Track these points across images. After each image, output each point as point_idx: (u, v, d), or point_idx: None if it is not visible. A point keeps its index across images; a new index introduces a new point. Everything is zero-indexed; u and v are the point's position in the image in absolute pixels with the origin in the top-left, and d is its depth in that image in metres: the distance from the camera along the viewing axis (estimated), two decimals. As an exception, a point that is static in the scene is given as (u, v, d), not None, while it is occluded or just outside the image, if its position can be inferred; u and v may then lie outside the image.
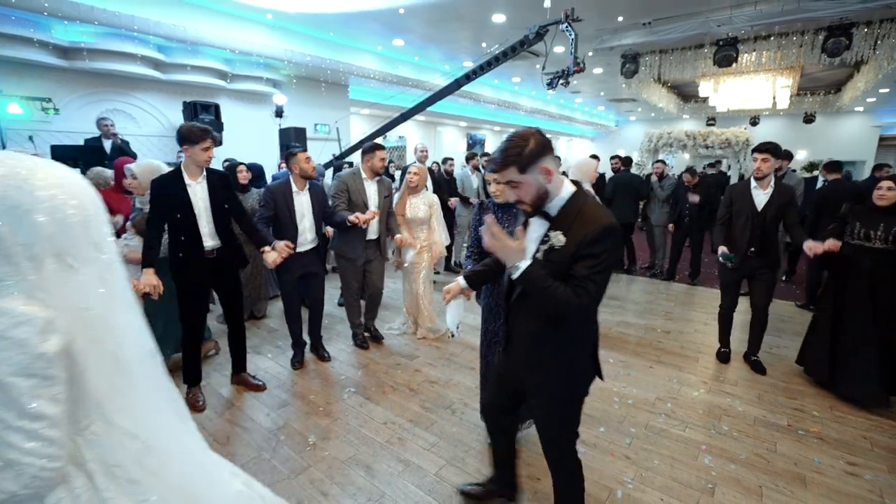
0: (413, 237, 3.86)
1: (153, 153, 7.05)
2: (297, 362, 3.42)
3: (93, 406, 0.89)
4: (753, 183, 3.32)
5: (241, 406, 2.89)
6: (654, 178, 6.28)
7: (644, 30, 7.01)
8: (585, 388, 1.66)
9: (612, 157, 6.75)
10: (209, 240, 2.69)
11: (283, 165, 5.60)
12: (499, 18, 6.80)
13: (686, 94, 12.39)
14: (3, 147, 5.36)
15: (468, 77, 5.13)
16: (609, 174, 6.91)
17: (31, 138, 5.33)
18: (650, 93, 10.44)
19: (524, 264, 1.42)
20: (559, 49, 7.31)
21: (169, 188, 2.57)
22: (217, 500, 1.11)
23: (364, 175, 3.52)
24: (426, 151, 5.86)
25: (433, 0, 6.10)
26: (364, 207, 3.45)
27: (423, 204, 3.85)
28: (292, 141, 7.16)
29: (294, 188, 3.18)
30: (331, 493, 2.14)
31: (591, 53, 8.51)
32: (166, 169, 2.81)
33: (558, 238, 1.46)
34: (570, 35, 4.35)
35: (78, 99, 6.44)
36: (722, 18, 6.42)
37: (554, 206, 1.50)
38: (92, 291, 0.91)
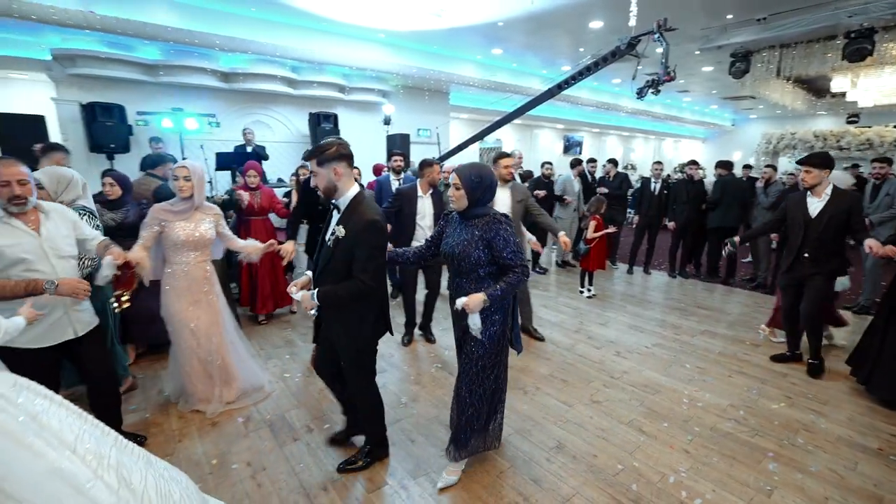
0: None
1: (284, 156, 8.32)
2: (407, 340, 4.00)
3: None
4: (808, 192, 3.39)
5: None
6: (759, 184, 5.93)
7: (758, 26, 6.59)
8: (374, 338, 2.25)
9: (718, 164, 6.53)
10: None
11: (385, 170, 6.33)
12: (596, 24, 6.89)
13: (818, 88, 11.05)
14: (182, 153, 6.82)
15: (560, 87, 5.36)
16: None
17: (202, 146, 6.72)
18: (771, 90, 9.58)
19: (316, 298, 2.02)
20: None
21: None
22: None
23: (420, 191, 3.78)
24: (520, 158, 6.16)
25: (531, 11, 6.41)
26: (413, 218, 3.74)
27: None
28: (398, 146, 7.95)
29: (420, 192, 3.71)
30: (417, 440, 2.66)
31: (697, 52, 8.14)
32: (73, 176, 2.60)
33: (340, 230, 2.01)
34: (662, 45, 4.38)
35: (232, 113, 7.89)
36: (855, 7, 5.83)
37: (342, 202, 2.07)
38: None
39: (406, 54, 8.28)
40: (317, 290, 2.03)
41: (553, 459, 2.50)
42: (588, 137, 17.11)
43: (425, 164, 3.75)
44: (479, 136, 7.75)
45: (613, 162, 6.79)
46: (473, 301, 1.99)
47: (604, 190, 6.45)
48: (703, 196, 6.09)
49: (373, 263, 2.00)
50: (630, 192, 7.08)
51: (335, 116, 8.23)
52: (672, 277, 6.45)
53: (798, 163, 3.37)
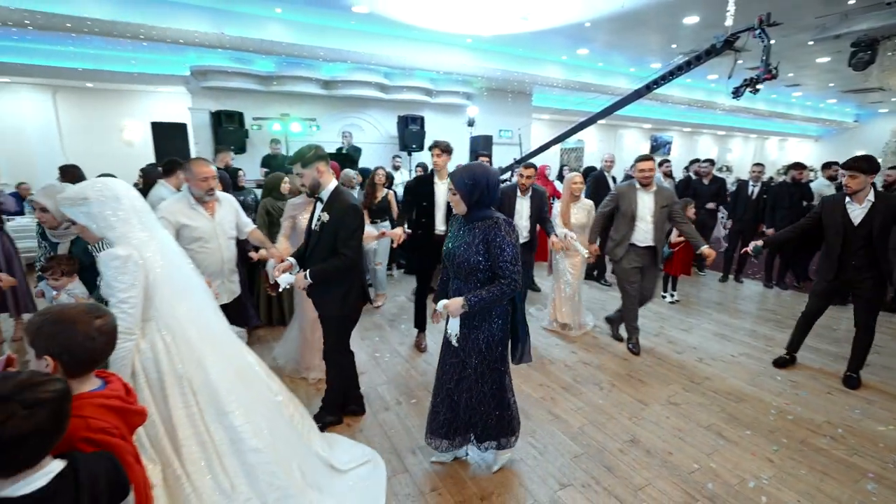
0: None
1: (374, 156, 8.95)
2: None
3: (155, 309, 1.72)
4: (848, 198, 3.20)
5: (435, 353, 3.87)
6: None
7: (888, 11, 5.90)
8: (356, 308, 2.60)
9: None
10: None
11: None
12: (691, 20, 6.60)
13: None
14: (287, 153, 7.65)
15: (649, 87, 5.24)
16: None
17: (345, 138, 7.50)
18: (903, 82, 8.44)
19: (309, 276, 2.36)
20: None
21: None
22: (237, 356, 1.96)
23: (518, 191, 3.91)
24: (613, 161, 6.03)
25: (621, 10, 6.32)
26: (511, 217, 3.80)
27: (583, 211, 4.15)
28: (481, 147, 8.21)
29: (518, 192, 3.91)
30: (496, 420, 2.88)
31: (811, 43, 7.46)
32: (63, 187, 2.53)
33: (325, 216, 2.39)
34: (763, 42, 4.12)
35: (330, 117, 8.66)
36: None
37: (324, 194, 2.43)
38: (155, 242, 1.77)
39: (491, 57, 8.51)
40: (308, 269, 2.37)
41: (626, 451, 2.59)
42: (678, 137, 16.15)
43: (524, 166, 3.90)
44: (561, 138, 7.74)
45: (710, 162, 6.40)
46: (452, 305, 2.00)
47: (711, 205, 6.11)
48: (809, 201, 5.61)
49: (354, 240, 2.43)
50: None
51: (422, 119, 8.69)
52: (768, 287, 6.01)
53: (842, 167, 3.11)
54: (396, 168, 7.36)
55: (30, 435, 0.89)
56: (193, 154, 7.26)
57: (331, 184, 2.47)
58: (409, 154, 8.96)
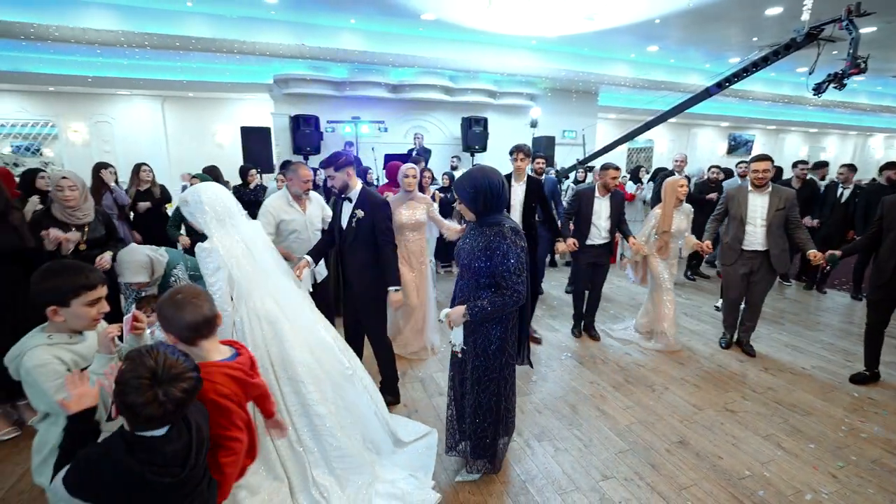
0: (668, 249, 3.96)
1: (438, 157, 9.24)
2: (577, 333, 4.25)
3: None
4: None
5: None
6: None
7: None
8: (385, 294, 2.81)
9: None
10: None
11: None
12: (774, 11, 6.20)
13: None
14: (357, 153, 8.16)
15: (719, 86, 5.01)
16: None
17: (372, 149, 7.96)
18: None
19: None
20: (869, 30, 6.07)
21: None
22: (313, 333, 2.21)
23: (597, 192, 3.93)
24: (685, 161, 5.81)
25: (695, 5, 6.08)
26: (589, 219, 3.91)
27: (684, 216, 3.95)
28: (543, 148, 8.22)
29: (597, 194, 3.91)
30: (543, 412, 3.00)
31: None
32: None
33: (360, 213, 2.69)
34: (851, 33, 3.80)
35: (397, 120, 9.08)
36: None
37: (353, 195, 2.72)
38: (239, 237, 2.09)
39: (556, 58, 8.48)
40: (390, 284, 2.76)
41: (674, 452, 2.60)
42: (760, 136, 14.95)
43: (604, 168, 3.92)
44: (628, 137, 7.56)
45: (822, 166, 5.95)
46: (454, 314, 2.00)
47: (807, 220, 5.69)
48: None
49: (390, 230, 2.79)
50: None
51: (485, 120, 8.86)
52: (856, 300, 5.52)
53: None
54: (454, 168, 7.59)
55: (161, 416, 1.06)
56: (275, 155, 7.98)
57: (357, 185, 2.78)
58: (472, 155, 9.16)
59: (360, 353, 2.93)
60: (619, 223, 3.97)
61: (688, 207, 3.99)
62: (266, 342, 2.03)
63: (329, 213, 3.31)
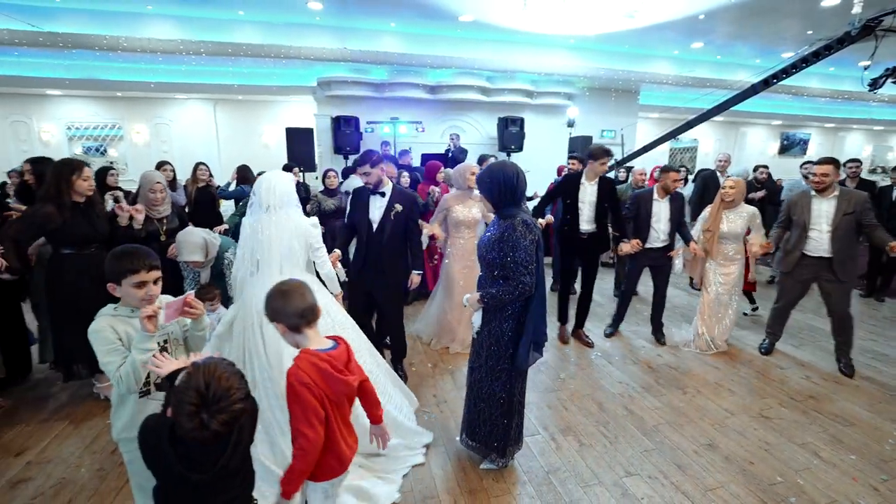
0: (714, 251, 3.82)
1: (474, 157, 9.32)
2: (610, 333, 4.23)
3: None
4: None
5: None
6: None
7: None
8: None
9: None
10: None
11: (565, 171, 6.60)
12: (830, 2, 5.88)
13: None
14: (394, 153, 8.36)
15: (766, 83, 4.82)
16: None
17: (409, 149, 8.13)
18: None
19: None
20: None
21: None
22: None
23: (656, 195, 3.88)
24: (728, 161, 5.62)
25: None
26: (648, 221, 3.87)
27: (741, 218, 3.72)
28: (580, 148, 8.14)
29: (656, 196, 3.86)
30: (570, 409, 3.03)
31: None
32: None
33: (398, 206, 2.97)
34: None
35: (434, 120, 9.22)
36: None
37: (386, 190, 2.99)
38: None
39: (594, 56, 8.37)
40: (417, 268, 3.17)
41: (701, 454, 2.58)
42: (817, 135, 14.08)
43: (664, 170, 3.89)
44: (668, 136, 7.39)
45: (857, 162, 5.57)
46: (471, 299, 2.16)
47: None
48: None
49: (417, 222, 3.14)
50: None
51: (521, 120, 8.86)
52: (917, 310, 5.17)
53: None
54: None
55: (202, 440, 1.08)
56: (317, 155, 8.32)
57: (388, 182, 3.03)
58: (508, 155, 9.18)
59: (371, 334, 3.16)
60: (678, 226, 3.89)
61: (748, 209, 3.76)
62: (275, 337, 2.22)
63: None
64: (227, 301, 2.93)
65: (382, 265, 3.05)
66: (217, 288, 2.96)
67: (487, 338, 2.20)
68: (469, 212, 3.76)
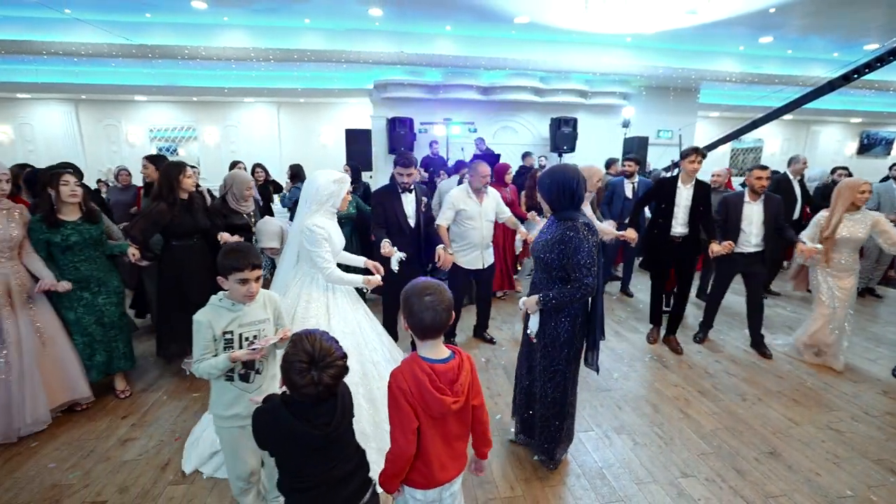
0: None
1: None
2: (701, 338, 4.10)
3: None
4: None
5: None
6: None
7: None
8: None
9: None
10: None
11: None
12: (924, -9, 5.43)
13: None
14: (447, 153, 8.54)
15: (846, 78, 4.54)
16: None
17: (462, 149, 8.29)
18: None
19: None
20: None
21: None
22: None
23: (747, 197, 3.73)
24: (805, 163, 5.28)
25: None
26: (738, 224, 3.73)
27: (861, 224, 3.43)
28: (635, 149, 7.97)
29: (747, 199, 3.74)
30: (624, 409, 3.05)
31: None
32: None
33: (424, 199, 3.37)
34: None
35: (486, 121, 9.33)
36: None
37: (413, 188, 3.40)
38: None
39: (652, 55, 8.16)
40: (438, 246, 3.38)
41: (763, 461, 2.53)
42: (905, 133, 12.89)
43: (749, 169, 3.75)
44: (731, 137, 7.09)
45: None
46: (529, 302, 2.16)
47: None
48: None
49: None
50: None
51: (574, 120, 8.78)
52: None
53: None
54: (542, 167, 7.65)
55: (315, 395, 1.23)
56: (374, 155, 8.65)
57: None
58: (560, 156, 9.13)
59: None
60: (779, 229, 3.68)
61: (873, 216, 3.43)
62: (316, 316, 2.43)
63: (504, 208, 3.76)
64: None
65: (420, 252, 3.40)
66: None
67: (543, 339, 2.22)
68: (589, 214, 3.93)
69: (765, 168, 3.69)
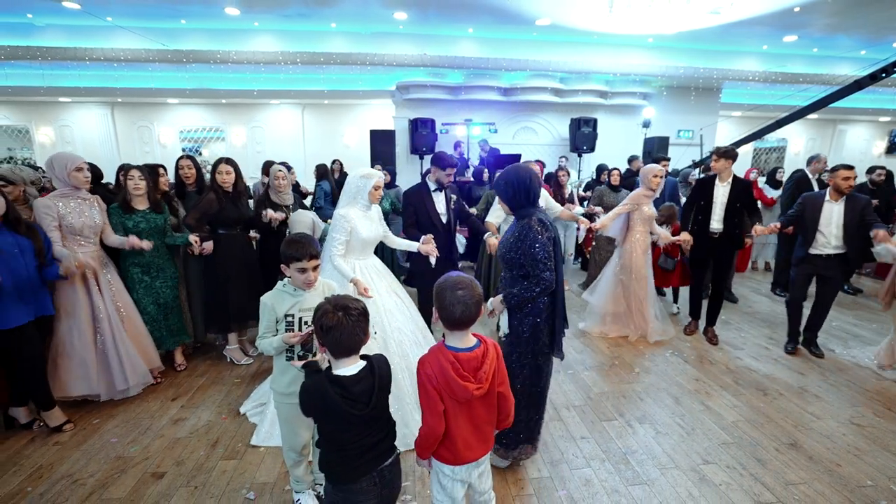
0: None
1: (545, 158, 9.41)
2: (791, 349, 3.90)
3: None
4: None
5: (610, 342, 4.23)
6: None
7: None
8: None
9: None
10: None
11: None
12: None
13: None
14: (467, 153, 8.67)
15: (873, 77, 4.53)
16: None
17: (482, 147, 8.42)
18: None
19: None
20: None
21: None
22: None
23: (828, 196, 3.64)
24: (824, 163, 5.27)
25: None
26: (815, 224, 3.63)
27: None
28: (656, 149, 7.98)
29: (828, 198, 3.62)
30: (646, 400, 3.15)
31: None
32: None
33: (453, 196, 3.60)
34: None
35: (507, 121, 9.44)
36: None
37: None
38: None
39: (674, 55, 8.17)
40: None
41: (783, 451, 2.61)
42: (937, 132, 12.54)
43: (833, 169, 3.68)
44: (752, 137, 7.06)
45: None
46: (495, 301, 2.21)
47: None
48: None
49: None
50: None
51: (594, 121, 8.83)
52: None
53: None
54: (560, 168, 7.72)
55: (346, 334, 1.38)
56: (397, 155, 8.83)
57: None
58: (580, 156, 9.18)
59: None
60: (864, 227, 3.45)
61: None
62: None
63: (553, 204, 3.90)
64: None
65: (452, 251, 3.56)
66: None
67: (510, 336, 2.24)
68: (651, 210, 4.10)
69: (851, 168, 3.54)
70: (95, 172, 3.66)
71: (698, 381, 3.43)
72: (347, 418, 1.37)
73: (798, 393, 3.28)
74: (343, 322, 1.37)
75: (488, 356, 1.51)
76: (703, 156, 8.08)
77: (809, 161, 5.29)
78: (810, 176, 5.23)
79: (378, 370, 1.45)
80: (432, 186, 3.56)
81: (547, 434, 2.74)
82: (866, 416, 2.99)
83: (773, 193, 6.14)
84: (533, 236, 2.06)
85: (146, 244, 3.02)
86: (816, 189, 5.13)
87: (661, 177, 3.99)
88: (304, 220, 3.58)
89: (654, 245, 4.34)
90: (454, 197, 3.65)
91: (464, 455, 1.53)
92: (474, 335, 1.55)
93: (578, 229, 5.30)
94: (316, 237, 3.40)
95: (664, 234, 4.16)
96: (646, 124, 8.68)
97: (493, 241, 3.28)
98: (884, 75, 4.44)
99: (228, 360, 3.69)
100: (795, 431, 2.81)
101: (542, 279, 2.06)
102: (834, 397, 3.22)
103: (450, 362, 1.44)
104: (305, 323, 1.85)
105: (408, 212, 3.55)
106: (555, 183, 5.58)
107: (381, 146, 8.09)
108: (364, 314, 1.44)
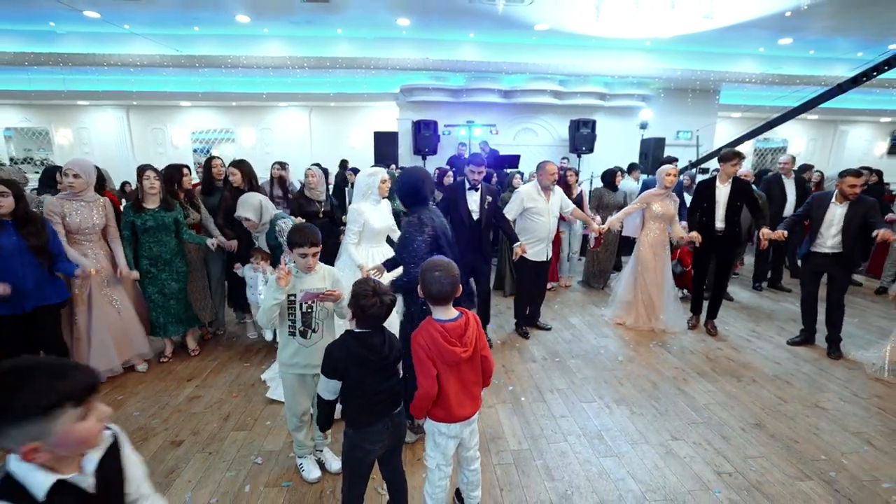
0: None
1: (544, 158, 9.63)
2: (799, 340, 4.10)
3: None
4: None
5: (599, 332, 4.45)
6: None
7: None
8: None
9: None
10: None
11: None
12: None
13: None
14: (469, 151, 8.91)
15: (855, 81, 4.69)
16: None
17: (482, 148, 8.66)
18: None
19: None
20: None
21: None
22: None
23: (833, 198, 3.75)
24: (792, 163, 5.46)
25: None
26: (819, 224, 3.78)
27: None
28: (653, 150, 8.17)
29: (834, 200, 3.74)
30: (625, 384, 3.37)
31: None
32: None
33: (489, 197, 3.74)
34: None
35: (507, 122, 9.67)
36: None
37: (479, 186, 3.71)
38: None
39: (671, 57, 8.35)
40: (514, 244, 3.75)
41: (748, 430, 2.82)
42: (940, 132, 12.55)
43: (840, 175, 3.73)
44: (745, 138, 7.22)
45: None
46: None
47: None
48: None
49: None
50: None
51: (593, 122, 9.04)
52: None
53: None
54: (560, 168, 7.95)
55: (379, 315, 1.67)
56: (400, 156, 9.10)
57: None
58: (579, 157, 9.39)
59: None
60: (866, 228, 3.56)
61: None
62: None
63: (567, 202, 4.18)
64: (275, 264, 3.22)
65: (482, 246, 3.74)
66: (266, 253, 3.48)
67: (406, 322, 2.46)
68: (669, 208, 4.28)
69: (859, 175, 3.62)
70: (100, 177, 3.91)
71: (677, 368, 3.64)
72: (366, 363, 1.66)
73: (771, 380, 3.48)
74: (377, 304, 1.65)
75: (470, 324, 1.77)
76: (699, 156, 8.25)
77: (779, 162, 5.49)
78: (783, 176, 5.41)
79: (388, 331, 1.76)
80: (468, 185, 3.79)
81: (530, 413, 2.98)
82: (832, 402, 3.19)
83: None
84: (409, 231, 2.32)
85: (133, 275, 3.34)
86: (788, 188, 5.33)
87: (675, 175, 4.23)
88: (250, 201, 3.32)
89: (674, 249, 4.56)
90: (489, 198, 3.72)
91: (457, 412, 1.77)
92: (456, 308, 1.80)
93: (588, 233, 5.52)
94: (263, 220, 3.35)
95: (678, 231, 4.30)
96: (644, 126, 8.87)
97: (518, 249, 3.71)
98: (864, 79, 4.60)
99: (248, 332, 4.14)
100: (762, 413, 3.02)
101: (406, 271, 2.31)
102: (804, 384, 3.42)
103: (438, 331, 1.69)
104: (304, 302, 2.11)
105: (443, 204, 3.80)
106: (563, 183, 5.76)
107: (385, 147, 8.37)
108: (392, 305, 1.71)
